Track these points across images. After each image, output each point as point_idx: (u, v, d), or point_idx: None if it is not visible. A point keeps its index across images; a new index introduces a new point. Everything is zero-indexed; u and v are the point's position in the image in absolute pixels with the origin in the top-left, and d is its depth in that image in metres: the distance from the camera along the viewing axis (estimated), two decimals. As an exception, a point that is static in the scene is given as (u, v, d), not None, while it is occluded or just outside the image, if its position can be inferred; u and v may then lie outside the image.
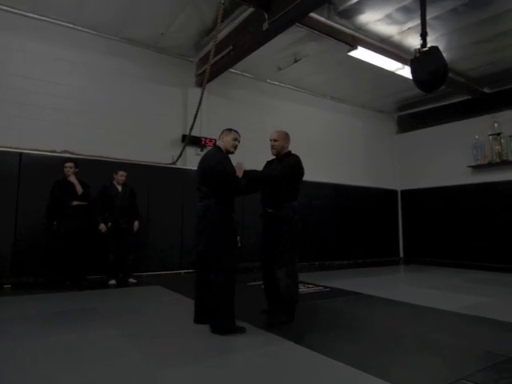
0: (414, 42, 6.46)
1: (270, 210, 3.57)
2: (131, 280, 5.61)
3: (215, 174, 3.19)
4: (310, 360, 2.46)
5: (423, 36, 3.38)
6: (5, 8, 5.76)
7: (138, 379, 2.18)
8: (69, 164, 5.32)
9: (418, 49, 3.38)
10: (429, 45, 3.40)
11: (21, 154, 5.59)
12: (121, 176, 5.69)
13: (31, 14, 5.97)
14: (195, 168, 7.08)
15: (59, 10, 5.97)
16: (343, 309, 4.06)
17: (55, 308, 3.94)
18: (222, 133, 3.50)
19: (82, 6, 5.85)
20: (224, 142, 3.43)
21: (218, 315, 3.03)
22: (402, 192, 10.44)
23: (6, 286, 5.01)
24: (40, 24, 6.05)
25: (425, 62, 3.29)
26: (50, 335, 2.98)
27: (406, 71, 7.09)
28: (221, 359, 2.50)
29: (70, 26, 6.29)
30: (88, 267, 5.49)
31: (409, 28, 6.24)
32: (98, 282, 5.46)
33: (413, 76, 3.46)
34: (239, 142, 3.53)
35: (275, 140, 3.76)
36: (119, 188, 5.70)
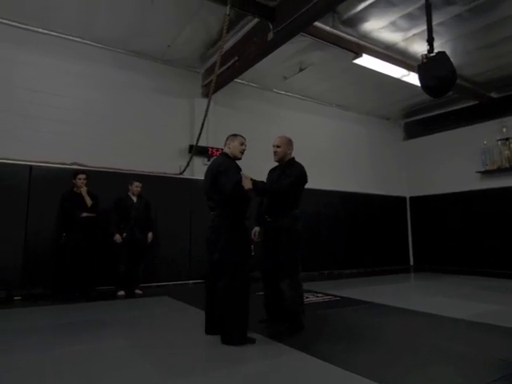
0: (419, 48, 6.47)
1: (269, 219, 3.54)
2: (137, 291, 5.59)
3: (216, 182, 3.18)
4: (322, 371, 2.41)
5: (430, 42, 3.38)
6: (15, 24, 5.89)
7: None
8: (82, 176, 5.37)
9: (425, 54, 3.37)
10: (434, 50, 3.39)
11: (31, 166, 5.65)
12: (136, 187, 5.72)
13: (40, 30, 6.08)
14: (202, 178, 7.17)
15: (68, 25, 6.09)
16: (354, 318, 4.00)
17: (64, 319, 3.93)
18: (228, 139, 3.47)
19: (90, 21, 5.96)
20: (231, 148, 3.39)
21: (229, 326, 2.97)
22: (411, 199, 10.36)
23: (16, 298, 5.03)
24: (49, 38, 6.17)
25: (432, 67, 3.28)
26: (60, 347, 2.97)
27: (411, 78, 7.09)
28: (231, 370, 2.46)
29: (78, 40, 6.40)
30: (96, 278, 5.51)
31: (413, 35, 6.25)
32: (106, 293, 5.46)
33: (420, 82, 3.45)
34: (246, 146, 3.50)
35: (278, 146, 3.71)
36: (134, 199, 5.73)
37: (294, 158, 3.75)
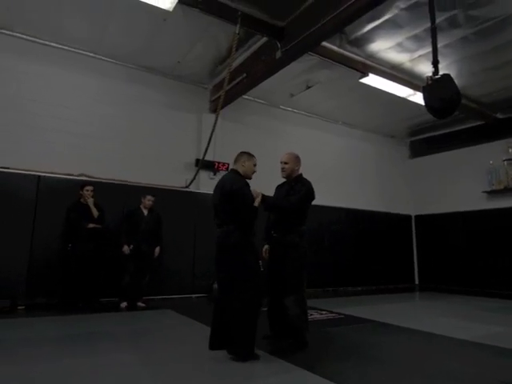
0: (425, 68, 6.56)
1: (275, 235, 3.55)
2: (140, 304, 5.58)
3: (236, 200, 3.14)
4: (325, 389, 2.40)
5: (435, 64, 3.43)
6: (29, 38, 6.06)
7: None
8: (89, 187, 5.45)
9: (430, 76, 3.42)
10: (440, 72, 3.44)
11: (39, 176, 5.74)
12: (148, 200, 5.78)
13: (54, 44, 6.26)
14: (208, 192, 7.20)
15: (81, 40, 6.26)
16: (359, 337, 3.96)
17: (68, 330, 3.94)
18: (242, 156, 3.44)
19: (102, 36, 6.12)
20: (245, 167, 3.39)
21: (238, 342, 2.95)
22: (416, 217, 10.32)
23: (19, 308, 5.05)
24: (62, 52, 6.33)
25: (437, 89, 3.33)
26: (64, 358, 2.97)
27: (417, 97, 7.16)
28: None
29: (91, 54, 6.57)
30: (101, 290, 5.52)
31: (420, 56, 6.34)
32: (110, 305, 5.45)
33: (425, 103, 3.50)
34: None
35: (285, 163, 3.77)
36: (145, 212, 5.78)
37: (301, 175, 3.80)
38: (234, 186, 3.18)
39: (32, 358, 2.96)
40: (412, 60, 6.49)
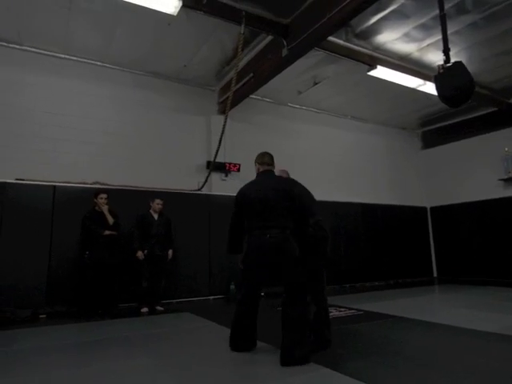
0: (434, 57, 6.47)
1: None
2: (159, 308, 5.60)
3: (299, 202, 3.13)
4: (350, 388, 2.37)
5: (446, 52, 3.36)
6: (36, 50, 6.16)
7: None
8: (103, 195, 5.49)
9: (442, 64, 3.35)
10: (451, 60, 3.37)
11: (55, 186, 5.82)
12: (157, 204, 5.81)
13: (62, 55, 6.35)
14: (220, 193, 7.23)
15: (87, 50, 6.33)
16: (379, 333, 3.91)
17: (89, 337, 3.97)
18: (271, 159, 3.46)
19: (109, 44, 6.18)
20: (275, 170, 3.48)
21: (300, 345, 2.86)
22: (432, 209, 10.17)
23: (41, 316, 5.12)
24: (69, 63, 6.42)
25: (449, 77, 3.26)
26: (87, 365, 2.99)
27: (427, 87, 7.05)
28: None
29: (98, 63, 6.63)
30: (119, 296, 5.56)
31: (428, 45, 6.24)
32: (129, 310, 5.50)
33: (438, 92, 3.43)
34: None
35: None
36: (155, 216, 5.81)
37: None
38: (296, 190, 3.18)
39: (53, 366, 2.99)
40: (420, 49, 6.40)
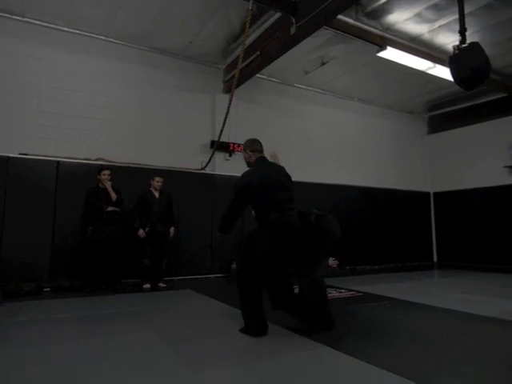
0: (445, 39, 6.33)
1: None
2: (161, 285, 5.67)
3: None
4: (351, 367, 2.40)
5: (462, 32, 3.27)
6: (40, 23, 6.03)
7: (176, 381, 2.19)
8: (106, 172, 5.47)
9: (457, 45, 3.26)
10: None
11: (58, 162, 5.81)
12: (157, 182, 5.79)
13: (66, 28, 6.22)
14: (224, 173, 7.20)
15: (92, 23, 6.20)
16: (379, 314, 3.96)
17: (91, 311, 4.04)
18: (262, 146, 3.50)
19: (113, 18, 6.05)
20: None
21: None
22: (435, 194, 10.14)
23: (45, 290, 5.19)
24: (74, 37, 6.30)
25: (465, 58, 3.17)
26: (91, 337, 3.05)
27: (437, 70, 6.92)
28: (258, 363, 2.48)
29: (102, 37, 6.51)
30: (122, 272, 5.62)
31: (440, 26, 6.09)
32: (132, 286, 5.57)
33: (452, 74, 3.33)
34: None
35: None
36: (156, 194, 5.81)
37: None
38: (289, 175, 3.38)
39: (57, 337, 3.04)
40: (432, 31, 6.24)
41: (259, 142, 3.48)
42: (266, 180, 3.19)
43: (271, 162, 3.46)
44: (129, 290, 5.31)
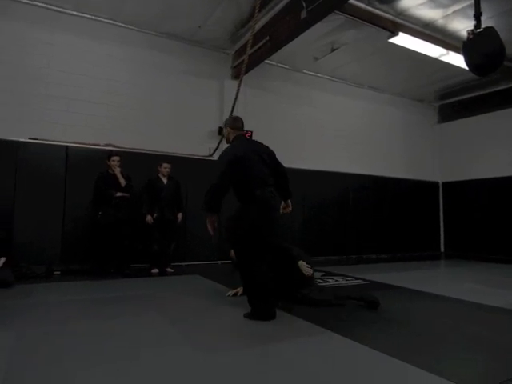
0: (459, 25, 6.20)
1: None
2: (169, 270, 5.74)
3: (278, 163, 3.47)
4: (357, 352, 2.42)
5: (477, 16, 3.18)
6: (49, 7, 6.00)
7: (184, 364, 2.22)
8: (116, 158, 5.50)
9: (472, 30, 3.18)
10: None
11: (67, 147, 5.85)
12: (165, 168, 5.80)
13: (74, 12, 6.18)
14: (232, 160, 7.17)
15: (100, 7, 6.15)
16: (384, 302, 3.95)
17: (101, 294, 4.11)
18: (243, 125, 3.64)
19: (122, 3, 6.00)
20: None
21: None
22: (444, 184, 10.06)
23: (55, 273, 5.28)
24: (82, 21, 6.27)
25: (479, 44, 3.09)
26: (96, 319, 3.11)
27: (450, 57, 6.79)
28: (271, 345, 2.50)
29: (111, 21, 6.47)
30: (131, 256, 5.69)
31: (454, 11, 5.95)
32: (140, 271, 5.64)
33: (466, 60, 3.26)
34: None
35: None
36: (164, 180, 5.82)
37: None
38: (272, 152, 3.46)
39: (68, 319, 3.11)
40: (445, 16, 6.11)
41: (241, 121, 3.62)
42: (248, 155, 3.30)
43: (250, 139, 3.55)
44: (137, 275, 5.37)
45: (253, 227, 3.19)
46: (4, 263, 4.34)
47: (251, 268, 3.17)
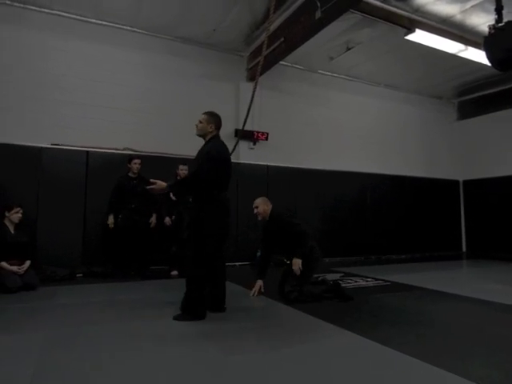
0: (478, 20, 6.07)
1: None
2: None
3: None
4: (382, 354, 2.39)
5: (498, 10, 3.11)
6: (68, 15, 6.15)
7: (207, 365, 2.23)
8: (137, 161, 5.58)
9: (493, 25, 3.11)
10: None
11: (87, 152, 5.96)
12: (181, 170, 5.84)
13: (93, 20, 6.32)
14: (248, 162, 7.22)
15: (118, 15, 6.28)
16: (407, 303, 3.91)
17: (122, 296, 4.17)
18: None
19: (139, 9, 6.10)
20: None
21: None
22: (465, 182, 9.84)
23: (78, 275, 5.38)
24: (100, 28, 6.41)
25: (501, 38, 3.02)
26: (122, 321, 3.15)
27: (469, 53, 6.66)
28: (293, 348, 2.48)
29: (128, 28, 6.58)
30: (151, 258, 5.75)
31: (472, 6, 5.84)
32: (160, 273, 5.69)
33: (487, 55, 3.19)
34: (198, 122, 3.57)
35: (256, 207, 4.17)
36: None
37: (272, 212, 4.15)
38: None
39: (91, 320, 3.16)
40: (463, 11, 5.99)
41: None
42: (229, 157, 3.42)
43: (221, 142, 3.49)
44: (157, 277, 5.43)
45: (216, 228, 3.26)
46: (29, 266, 4.45)
47: (203, 270, 3.20)
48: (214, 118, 3.50)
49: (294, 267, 3.84)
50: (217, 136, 3.49)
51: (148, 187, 3.35)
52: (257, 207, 4.16)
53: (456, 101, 10.17)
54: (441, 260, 8.24)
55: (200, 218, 3.21)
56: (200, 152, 3.48)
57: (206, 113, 3.54)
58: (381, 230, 8.48)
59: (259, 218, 4.21)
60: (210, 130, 3.45)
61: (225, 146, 3.47)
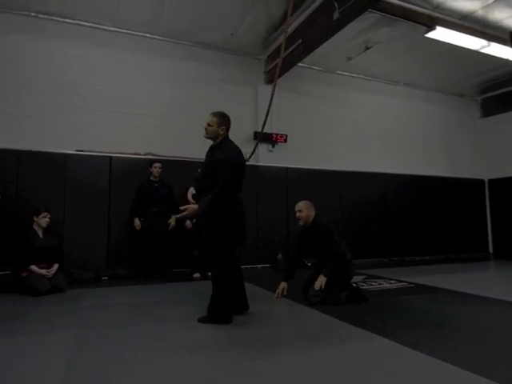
0: (501, 15, 5.94)
1: None
2: (209, 274, 5.78)
3: None
4: (410, 358, 2.35)
5: (525, 4, 3.03)
6: (90, 25, 6.33)
7: (233, 368, 2.23)
8: (158, 164, 5.67)
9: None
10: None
11: (111, 157, 6.10)
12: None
13: (113, 28, 6.48)
14: (267, 164, 7.23)
15: (138, 22, 6.41)
16: (434, 306, 3.83)
17: (147, 298, 4.24)
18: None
19: (159, 16, 6.22)
20: None
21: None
22: (490, 181, 9.58)
23: (103, 278, 5.51)
24: (120, 36, 6.56)
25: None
26: (145, 322, 3.20)
27: (492, 49, 6.50)
28: (320, 351, 2.48)
29: (148, 35, 6.72)
30: (174, 261, 5.83)
31: (494, 1, 5.70)
32: (182, 275, 5.76)
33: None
34: (206, 125, 3.40)
35: (300, 211, 4.08)
36: None
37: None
38: None
39: (118, 322, 3.23)
40: (485, 7, 5.86)
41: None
42: (244, 161, 3.35)
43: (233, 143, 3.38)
44: (180, 279, 5.50)
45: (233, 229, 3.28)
46: (57, 270, 4.57)
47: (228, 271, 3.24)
48: (225, 120, 3.35)
49: (316, 283, 3.76)
50: (228, 139, 3.38)
51: (179, 216, 3.41)
52: (300, 211, 4.04)
53: (479, 98, 9.93)
54: (466, 261, 8.03)
55: (218, 220, 3.19)
56: (211, 156, 3.38)
57: (215, 114, 3.37)
58: (403, 231, 8.34)
59: (300, 223, 4.09)
60: (222, 133, 3.32)
61: (238, 149, 3.33)
